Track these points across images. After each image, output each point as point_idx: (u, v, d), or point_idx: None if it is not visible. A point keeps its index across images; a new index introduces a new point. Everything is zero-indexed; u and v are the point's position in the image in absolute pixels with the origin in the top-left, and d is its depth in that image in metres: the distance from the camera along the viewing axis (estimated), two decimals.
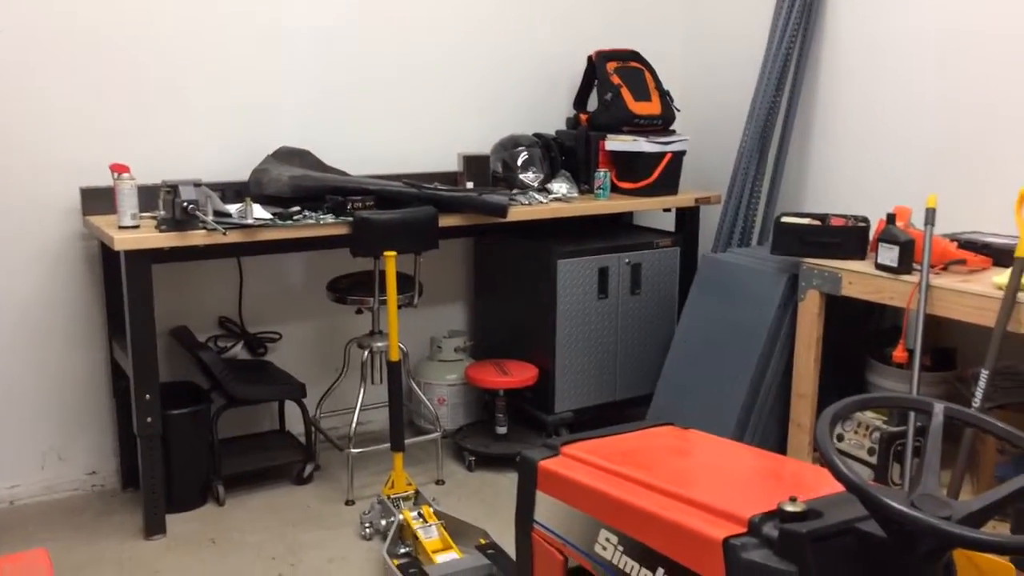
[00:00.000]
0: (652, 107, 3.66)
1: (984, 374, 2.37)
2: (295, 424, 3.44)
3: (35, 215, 3.03)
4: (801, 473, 1.67)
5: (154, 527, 2.89)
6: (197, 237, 2.77)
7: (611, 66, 3.69)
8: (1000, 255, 2.65)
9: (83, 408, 3.21)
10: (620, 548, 1.63)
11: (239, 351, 3.39)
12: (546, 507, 1.84)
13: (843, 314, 2.99)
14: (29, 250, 3.04)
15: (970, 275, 2.60)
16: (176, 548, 2.84)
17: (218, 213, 2.85)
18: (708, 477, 1.68)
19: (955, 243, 2.71)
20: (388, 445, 2.98)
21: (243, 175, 3.22)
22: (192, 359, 3.20)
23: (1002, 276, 2.41)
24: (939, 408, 1.43)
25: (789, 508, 1.39)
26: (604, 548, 1.67)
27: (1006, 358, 2.80)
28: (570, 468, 1.80)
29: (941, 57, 3.07)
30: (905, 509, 1.19)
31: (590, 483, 1.72)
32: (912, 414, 2.61)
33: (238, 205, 2.89)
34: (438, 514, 2.81)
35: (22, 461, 3.13)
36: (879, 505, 1.22)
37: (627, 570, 1.61)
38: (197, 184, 2.79)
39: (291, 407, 3.43)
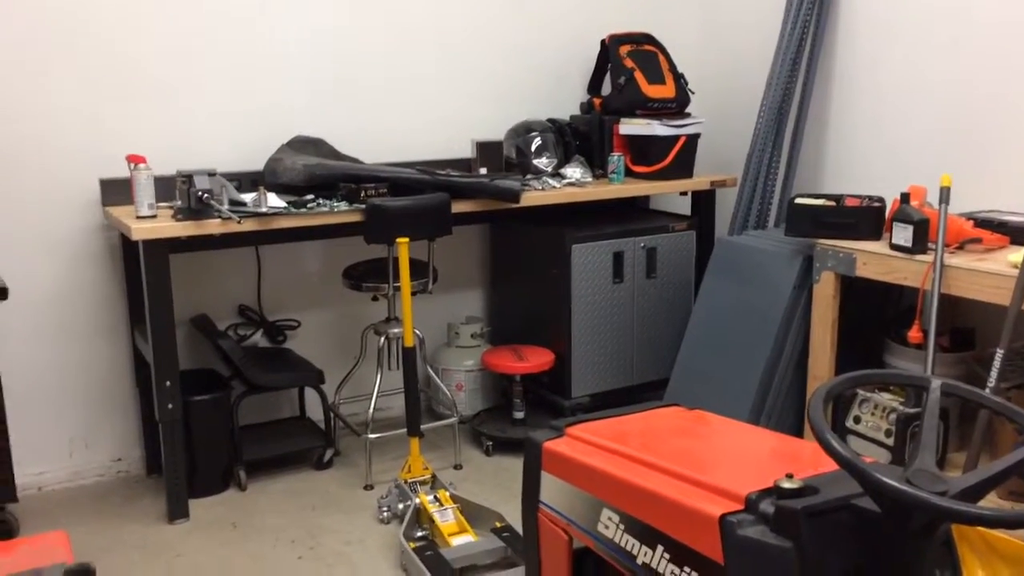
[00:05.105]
0: (666, 90, 3.65)
1: (999, 353, 2.35)
2: (315, 410, 3.49)
3: (56, 207, 3.09)
4: (803, 451, 1.67)
5: (177, 511, 2.95)
6: (212, 226, 2.81)
7: (624, 49, 3.68)
8: (1017, 233, 2.62)
9: (108, 396, 3.28)
10: (622, 527, 1.64)
11: (259, 339, 3.44)
12: (551, 488, 1.86)
13: (862, 296, 2.97)
14: (51, 241, 3.11)
15: (986, 254, 2.57)
16: (198, 532, 2.89)
17: (233, 202, 2.89)
18: (709, 456, 1.68)
19: (971, 222, 2.67)
20: (406, 430, 3.01)
21: (259, 165, 3.25)
22: (212, 347, 3.26)
23: (1017, 254, 2.38)
24: (936, 384, 1.42)
25: (785, 485, 1.39)
26: (606, 527, 1.68)
27: None
28: (574, 449, 1.81)
29: (953, 37, 3.04)
30: (895, 483, 1.19)
31: (592, 463, 1.73)
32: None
33: (253, 194, 2.93)
34: (454, 498, 2.84)
35: (49, 448, 3.21)
36: (871, 480, 1.22)
37: (628, 548, 1.62)
38: (212, 174, 2.83)
39: (311, 393, 3.48)
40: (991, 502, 2.49)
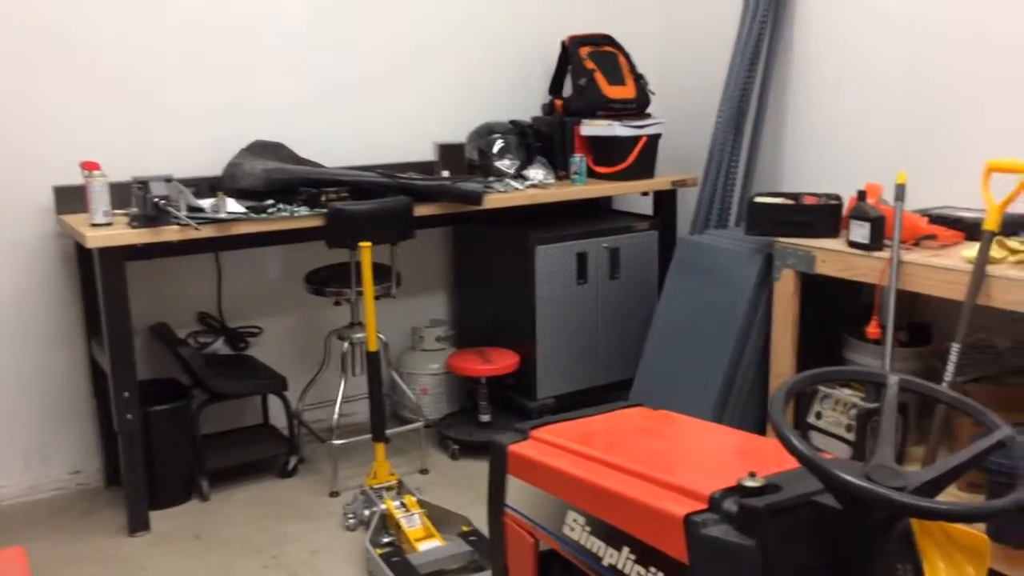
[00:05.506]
0: (626, 91, 3.66)
1: (955, 348, 2.39)
2: (279, 418, 3.45)
3: (9, 215, 3.02)
4: (766, 449, 1.68)
5: (138, 524, 2.90)
6: (170, 233, 2.77)
7: (584, 51, 3.69)
8: (972, 229, 2.66)
9: (65, 407, 3.21)
10: (587, 528, 1.64)
11: (220, 346, 3.39)
12: (516, 490, 1.85)
13: (822, 292, 3.00)
14: (3, 250, 3.04)
15: (941, 250, 2.61)
16: (160, 544, 2.84)
17: (191, 208, 2.85)
18: (673, 456, 1.69)
19: (926, 218, 2.72)
20: (371, 436, 2.98)
21: (218, 170, 3.21)
22: (172, 356, 3.20)
23: (971, 250, 2.42)
24: (893, 380, 1.44)
25: (748, 483, 1.40)
26: (572, 529, 1.68)
27: (980, 331, 2.81)
28: (538, 451, 1.81)
29: (906, 35, 3.09)
30: (854, 480, 1.20)
31: (557, 465, 1.72)
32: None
33: (211, 200, 2.89)
34: (420, 503, 2.82)
35: (5, 462, 3.13)
36: (831, 477, 1.24)
37: (594, 550, 1.62)
38: (168, 180, 2.79)
39: (274, 400, 3.44)
40: (951, 494, 2.53)
